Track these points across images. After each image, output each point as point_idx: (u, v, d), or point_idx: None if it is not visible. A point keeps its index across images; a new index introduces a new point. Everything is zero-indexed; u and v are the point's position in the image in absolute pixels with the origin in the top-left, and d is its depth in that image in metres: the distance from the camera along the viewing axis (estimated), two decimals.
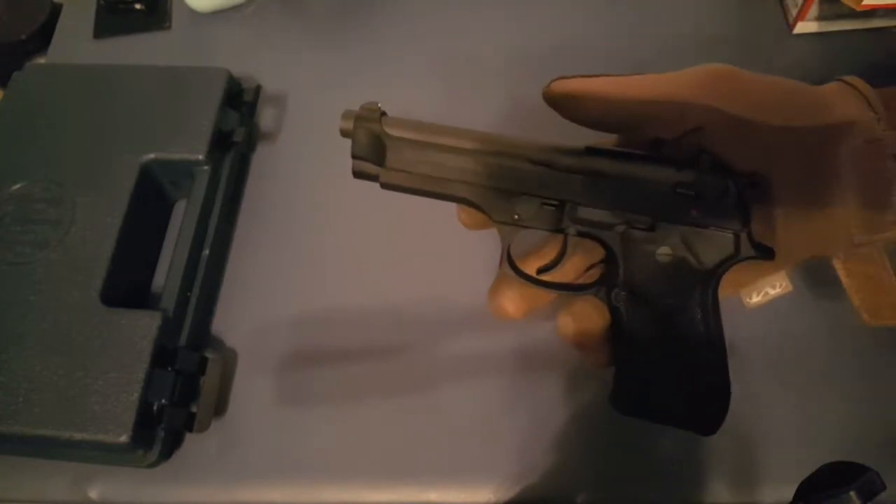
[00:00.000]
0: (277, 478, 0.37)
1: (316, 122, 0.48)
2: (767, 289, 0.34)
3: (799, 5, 0.47)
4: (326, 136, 0.47)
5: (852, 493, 0.21)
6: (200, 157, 0.41)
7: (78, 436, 0.33)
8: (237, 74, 0.46)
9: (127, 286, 0.39)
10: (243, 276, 0.43)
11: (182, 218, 0.41)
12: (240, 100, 0.46)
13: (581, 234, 0.31)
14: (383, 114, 0.32)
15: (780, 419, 0.36)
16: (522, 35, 0.50)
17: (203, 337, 0.40)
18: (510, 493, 0.36)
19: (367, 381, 0.39)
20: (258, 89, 0.47)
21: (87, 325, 0.36)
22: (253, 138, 0.47)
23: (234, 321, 0.41)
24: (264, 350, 0.40)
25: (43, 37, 0.53)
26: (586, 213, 0.31)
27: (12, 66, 0.46)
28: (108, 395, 0.34)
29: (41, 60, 0.53)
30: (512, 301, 0.33)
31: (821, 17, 0.47)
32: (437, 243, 0.42)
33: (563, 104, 0.32)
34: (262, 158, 0.47)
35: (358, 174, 0.33)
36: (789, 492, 0.24)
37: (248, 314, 0.41)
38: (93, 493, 0.37)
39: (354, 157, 0.32)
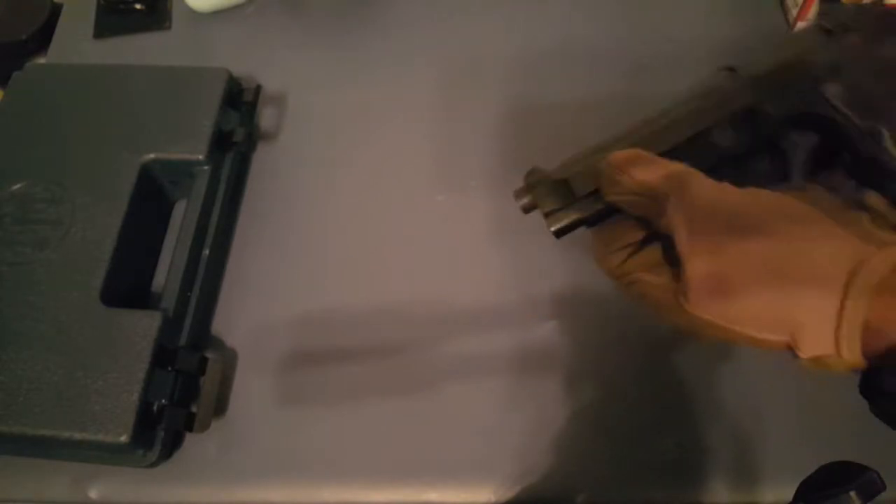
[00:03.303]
0: (277, 478, 0.37)
1: (316, 122, 0.48)
2: None
3: (799, 5, 0.47)
4: (326, 135, 0.48)
5: (852, 493, 0.21)
6: (200, 157, 0.41)
7: (78, 436, 0.33)
8: (237, 74, 0.46)
9: (127, 286, 0.39)
10: (243, 276, 0.43)
11: (182, 218, 0.41)
12: (240, 100, 0.46)
13: (786, 124, 0.30)
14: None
15: (780, 419, 0.36)
16: (523, 36, 0.50)
17: (203, 337, 0.40)
18: (510, 493, 0.36)
19: (367, 381, 0.39)
20: (258, 89, 0.47)
21: (87, 325, 0.36)
22: (253, 138, 0.47)
23: (234, 321, 0.41)
24: (264, 350, 0.40)
25: (43, 37, 0.53)
26: (775, 101, 0.29)
27: (12, 66, 0.46)
28: (108, 395, 0.34)
29: (41, 60, 0.52)
30: None
31: None
32: (437, 243, 0.42)
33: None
34: (262, 158, 0.47)
35: (562, 232, 0.31)
36: (789, 492, 0.24)
37: (248, 314, 0.41)
38: (93, 493, 0.37)
39: (548, 216, 0.31)
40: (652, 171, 0.27)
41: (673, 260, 0.26)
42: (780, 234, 0.24)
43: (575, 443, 0.36)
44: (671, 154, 0.29)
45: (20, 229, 0.39)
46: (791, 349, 0.25)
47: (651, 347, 0.39)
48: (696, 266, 0.25)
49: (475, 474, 0.36)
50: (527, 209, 0.31)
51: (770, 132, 0.30)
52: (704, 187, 0.26)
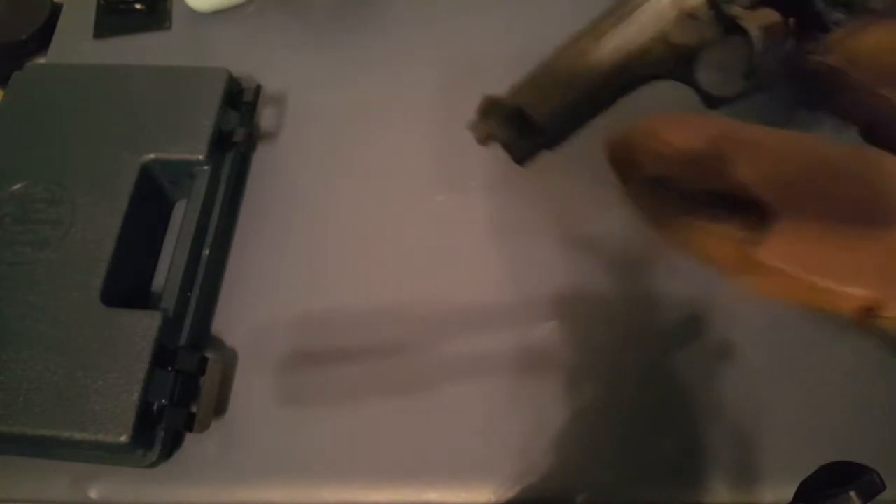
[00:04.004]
0: (277, 478, 0.37)
1: (316, 122, 0.48)
2: None
3: None
4: (327, 135, 0.48)
5: (852, 493, 0.21)
6: (200, 157, 0.41)
7: (78, 436, 0.33)
8: (237, 74, 0.46)
9: (127, 286, 0.39)
10: (243, 276, 0.43)
11: (182, 218, 0.41)
12: (240, 100, 0.46)
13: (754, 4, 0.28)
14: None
15: (780, 419, 0.36)
16: (523, 35, 0.50)
17: (203, 337, 0.40)
18: (510, 493, 0.36)
19: (367, 381, 0.39)
20: (258, 89, 0.47)
21: (87, 325, 0.36)
22: (253, 138, 0.47)
23: (234, 321, 0.41)
24: (264, 350, 0.40)
25: (43, 37, 0.53)
26: None
27: (12, 66, 0.46)
28: (108, 395, 0.34)
29: (41, 60, 0.52)
30: None
31: None
32: (437, 243, 0.42)
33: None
34: (262, 158, 0.47)
35: (522, 159, 0.30)
36: (789, 492, 0.24)
37: (248, 314, 0.41)
38: (93, 493, 0.37)
39: (506, 146, 0.30)
40: (692, 134, 0.25)
41: (734, 211, 0.25)
42: (870, 179, 0.23)
43: (575, 443, 0.36)
44: (631, 65, 0.28)
45: (20, 229, 0.39)
46: (869, 308, 0.23)
47: (651, 347, 0.39)
48: (780, 212, 0.23)
49: (475, 474, 0.36)
50: (483, 141, 0.31)
51: (732, 16, 0.28)
52: (768, 137, 0.24)
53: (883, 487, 0.22)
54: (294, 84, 0.49)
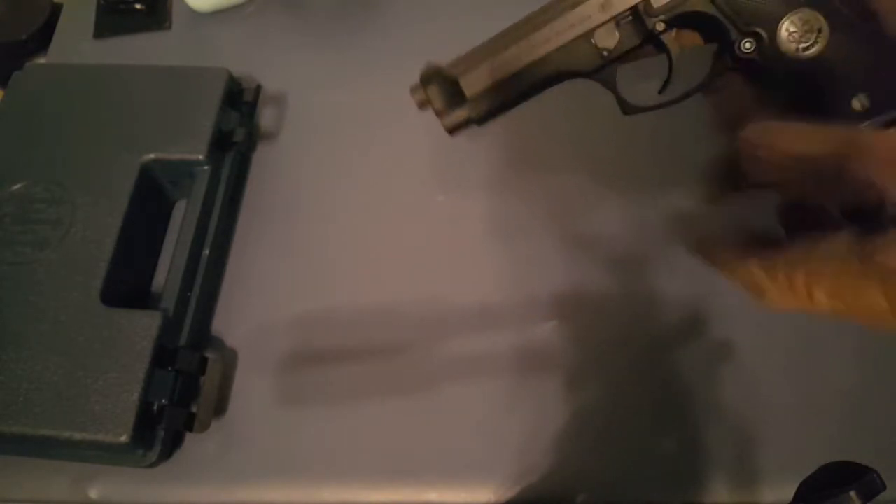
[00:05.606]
0: (277, 478, 0.37)
1: (316, 122, 0.48)
2: None
3: None
4: (327, 135, 0.48)
5: (852, 493, 0.21)
6: (200, 157, 0.41)
7: (78, 436, 0.33)
8: (237, 74, 0.46)
9: (127, 286, 0.39)
10: (243, 276, 0.43)
11: (182, 218, 0.41)
12: (240, 100, 0.46)
13: (672, 22, 0.29)
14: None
15: (780, 419, 0.36)
16: None
17: (203, 337, 0.40)
18: (510, 493, 0.36)
19: (367, 381, 0.39)
20: (258, 89, 0.47)
21: (87, 325, 0.36)
22: (253, 138, 0.47)
23: (234, 321, 0.41)
24: (264, 350, 0.40)
25: (43, 37, 0.53)
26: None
27: (12, 66, 0.46)
28: (108, 395, 0.34)
29: (41, 60, 0.52)
30: None
31: None
32: (437, 243, 0.42)
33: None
34: (262, 158, 0.47)
35: (452, 128, 0.32)
36: (789, 492, 0.24)
37: (248, 314, 0.41)
38: (93, 493, 0.37)
39: (439, 113, 0.32)
40: (805, 140, 0.24)
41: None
42: None
43: (575, 443, 0.37)
44: (556, 58, 0.30)
45: (20, 229, 0.39)
46: None
47: (651, 347, 0.39)
48: None
49: (475, 474, 0.36)
50: (421, 105, 0.32)
51: (653, 30, 0.30)
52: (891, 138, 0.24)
53: (883, 487, 0.22)
54: (294, 84, 0.49)
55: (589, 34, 0.30)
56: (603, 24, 0.30)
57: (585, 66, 0.31)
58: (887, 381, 0.37)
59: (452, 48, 0.50)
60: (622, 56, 0.31)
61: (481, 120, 0.32)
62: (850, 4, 0.28)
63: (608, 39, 0.30)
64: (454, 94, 0.31)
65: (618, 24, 0.30)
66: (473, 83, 0.31)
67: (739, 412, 0.37)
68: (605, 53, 0.30)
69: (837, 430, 0.36)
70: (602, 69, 0.31)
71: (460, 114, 0.32)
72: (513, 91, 0.32)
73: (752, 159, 0.26)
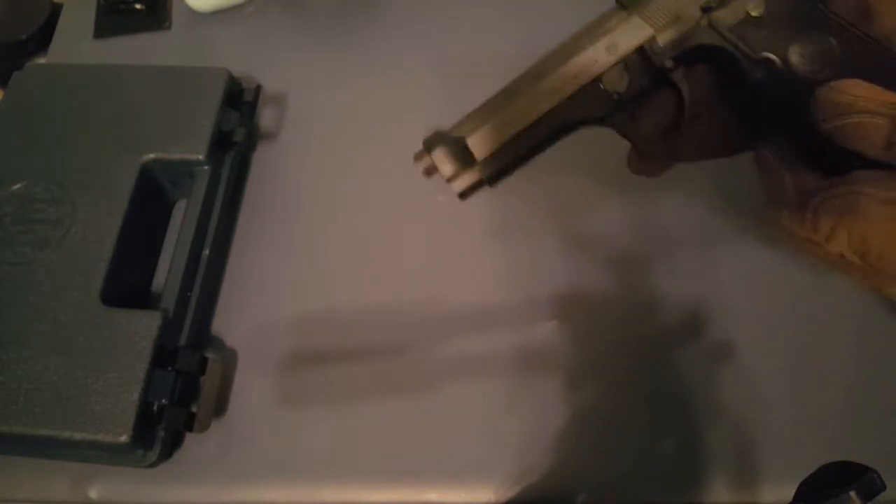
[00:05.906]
0: (277, 478, 0.37)
1: (316, 122, 0.48)
2: None
3: None
4: (327, 135, 0.48)
5: (852, 493, 0.21)
6: (200, 157, 0.41)
7: (78, 436, 0.33)
8: (237, 74, 0.46)
9: (127, 286, 0.39)
10: (243, 276, 0.43)
11: (182, 218, 0.41)
12: (240, 100, 0.46)
13: (680, 59, 0.29)
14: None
15: (780, 419, 0.36)
16: (523, 35, 0.50)
17: (203, 337, 0.40)
18: (510, 493, 0.36)
19: (367, 381, 0.39)
20: (258, 89, 0.47)
21: (87, 325, 0.36)
22: (253, 138, 0.47)
23: (234, 321, 0.41)
24: (264, 350, 0.40)
25: (43, 37, 0.53)
26: (666, 36, 0.29)
27: (12, 66, 0.46)
28: (108, 395, 0.34)
29: (41, 60, 0.52)
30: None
31: None
32: (437, 243, 0.42)
33: None
34: (262, 158, 0.47)
35: (464, 193, 0.32)
36: (789, 492, 0.24)
37: (248, 314, 0.41)
38: (93, 493, 0.37)
39: (449, 178, 0.31)
40: (882, 92, 0.25)
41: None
42: None
43: (575, 443, 0.37)
44: (565, 108, 0.30)
45: (20, 229, 0.39)
46: None
47: (651, 347, 0.39)
48: None
49: (475, 474, 0.36)
50: (428, 172, 0.32)
51: (663, 69, 0.29)
52: None
53: (883, 487, 0.22)
54: (294, 84, 0.49)
55: (597, 79, 0.30)
56: (611, 66, 0.30)
57: (596, 112, 0.30)
58: (887, 381, 0.37)
59: (451, 48, 0.50)
60: (634, 98, 0.30)
61: (493, 180, 0.31)
62: (847, 12, 0.28)
63: (618, 82, 0.30)
64: (463, 157, 0.31)
65: (626, 66, 0.30)
66: (482, 143, 0.30)
67: (739, 412, 0.37)
68: (615, 97, 0.30)
69: (837, 430, 0.36)
70: (613, 114, 0.30)
71: (471, 176, 0.31)
72: (523, 147, 0.31)
73: (832, 106, 0.26)
